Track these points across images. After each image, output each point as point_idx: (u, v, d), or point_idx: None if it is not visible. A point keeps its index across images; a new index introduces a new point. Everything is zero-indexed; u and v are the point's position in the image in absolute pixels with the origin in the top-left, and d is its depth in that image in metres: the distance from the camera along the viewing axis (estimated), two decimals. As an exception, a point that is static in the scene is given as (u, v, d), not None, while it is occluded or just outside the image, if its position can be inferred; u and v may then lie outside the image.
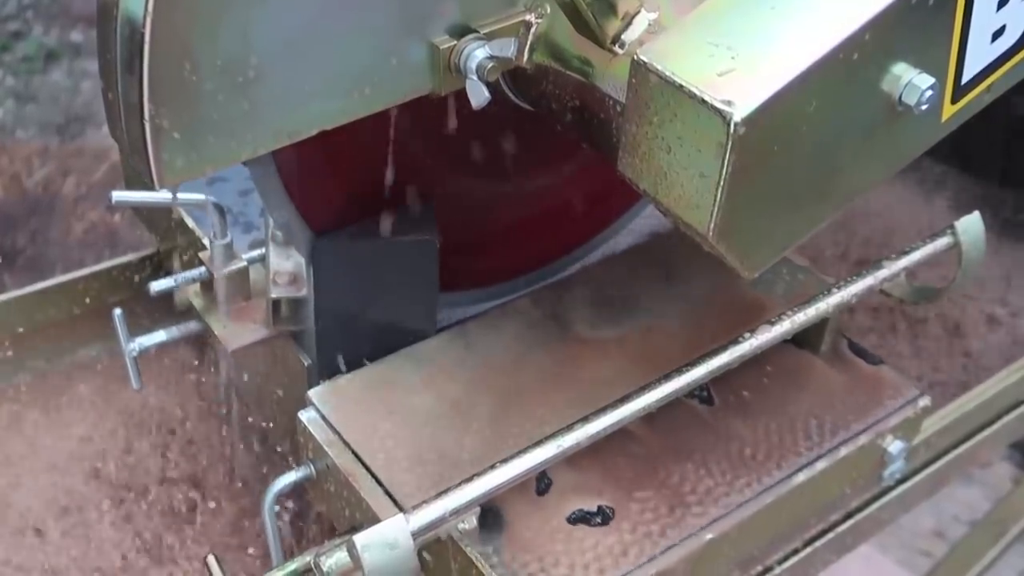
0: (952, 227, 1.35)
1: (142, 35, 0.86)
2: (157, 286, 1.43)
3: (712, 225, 0.94)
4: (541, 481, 1.20)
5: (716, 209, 0.93)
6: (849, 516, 1.46)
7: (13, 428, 1.72)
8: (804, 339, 1.35)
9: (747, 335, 1.22)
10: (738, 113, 0.88)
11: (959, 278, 1.37)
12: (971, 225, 1.35)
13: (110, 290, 1.78)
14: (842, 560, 1.48)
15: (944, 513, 2.51)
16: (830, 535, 1.42)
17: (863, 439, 1.29)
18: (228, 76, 0.92)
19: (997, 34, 1.06)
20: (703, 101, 0.89)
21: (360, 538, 0.97)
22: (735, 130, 0.88)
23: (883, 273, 1.30)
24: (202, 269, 1.43)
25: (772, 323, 1.23)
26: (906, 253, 1.33)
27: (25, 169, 2.99)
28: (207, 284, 1.44)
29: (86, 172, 2.95)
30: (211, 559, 1.21)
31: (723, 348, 1.20)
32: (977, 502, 2.48)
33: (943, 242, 1.34)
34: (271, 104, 0.96)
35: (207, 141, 0.94)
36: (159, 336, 1.46)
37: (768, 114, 0.90)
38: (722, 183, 0.91)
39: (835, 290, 1.27)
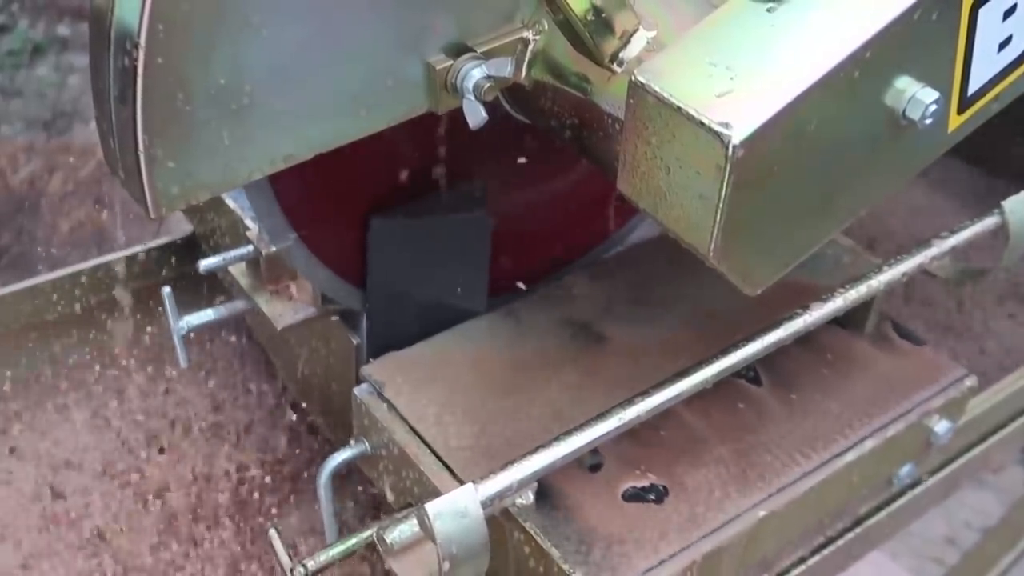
0: (1000, 207, 1.34)
1: (135, 66, 0.85)
2: (206, 264, 1.43)
3: (712, 246, 0.93)
4: (593, 459, 1.21)
5: (716, 230, 0.92)
6: (858, 522, 1.46)
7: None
8: (849, 320, 1.36)
9: (800, 311, 1.21)
10: (736, 136, 0.87)
11: (1006, 257, 1.36)
12: (1019, 205, 1.35)
13: (98, 288, 1.76)
14: (852, 568, 1.48)
15: (956, 519, 2.49)
16: (839, 542, 1.42)
17: (911, 418, 1.30)
18: (222, 104, 0.91)
19: (1004, 44, 1.05)
20: (701, 123, 0.88)
21: (431, 506, 0.97)
22: (733, 153, 0.87)
23: (932, 252, 1.29)
24: (249, 247, 1.42)
25: (824, 300, 1.23)
26: (954, 232, 1.32)
27: (10, 166, 2.96)
28: (253, 263, 1.43)
29: (73, 169, 2.92)
30: (273, 533, 1.20)
31: (776, 324, 1.20)
32: (990, 507, 2.46)
33: (991, 221, 1.34)
34: (266, 129, 0.95)
35: (202, 168, 0.93)
36: (207, 315, 1.45)
37: (767, 135, 0.88)
38: (721, 205, 0.90)
39: (885, 268, 1.27)
